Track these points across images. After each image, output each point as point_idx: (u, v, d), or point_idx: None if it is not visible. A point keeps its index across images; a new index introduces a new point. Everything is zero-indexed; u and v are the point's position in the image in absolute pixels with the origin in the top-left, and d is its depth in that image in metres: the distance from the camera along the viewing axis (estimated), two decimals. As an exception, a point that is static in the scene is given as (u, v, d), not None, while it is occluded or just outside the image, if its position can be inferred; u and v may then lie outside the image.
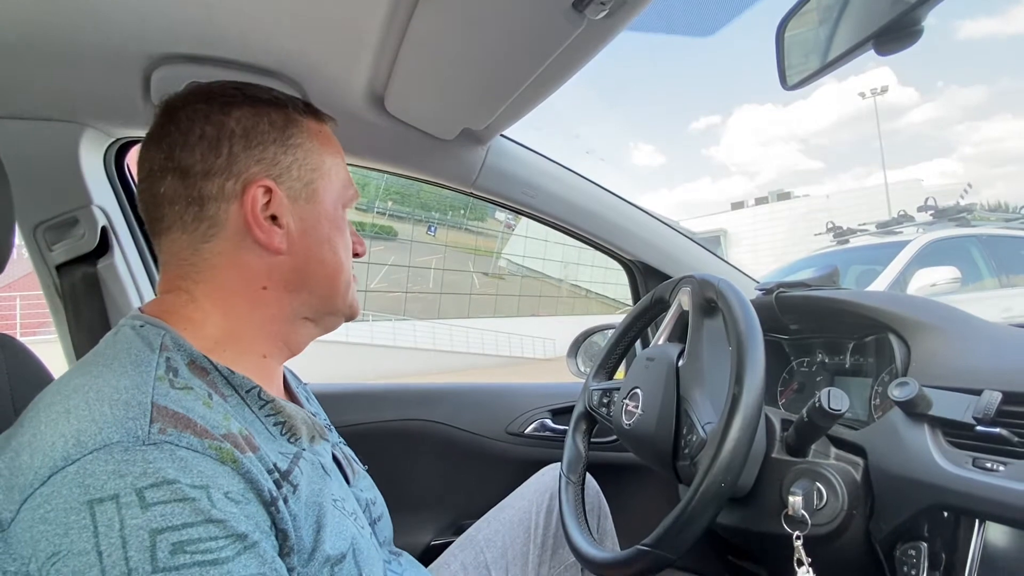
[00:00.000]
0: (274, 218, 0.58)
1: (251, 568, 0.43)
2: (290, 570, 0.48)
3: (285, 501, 0.49)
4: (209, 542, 0.42)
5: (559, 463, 0.95)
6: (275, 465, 0.50)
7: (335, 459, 0.65)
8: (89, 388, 0.46)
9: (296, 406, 0.60)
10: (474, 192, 1.20)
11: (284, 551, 0.48)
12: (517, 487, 1.00)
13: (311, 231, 0.61)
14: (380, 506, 0.72)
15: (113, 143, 1.09)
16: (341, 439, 0.75)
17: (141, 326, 0.54)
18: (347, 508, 0.58)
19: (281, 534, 0.48)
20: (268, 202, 0.58)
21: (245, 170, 0.57)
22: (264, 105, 0.60)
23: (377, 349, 16.08)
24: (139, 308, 0.58)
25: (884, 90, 27.24)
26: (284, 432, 0.56)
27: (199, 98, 0.59)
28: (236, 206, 0.57)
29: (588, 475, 0.94)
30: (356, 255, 0.68)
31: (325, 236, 0.62)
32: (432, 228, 22.11)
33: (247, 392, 0.54)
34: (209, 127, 0.57)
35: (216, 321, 0.57)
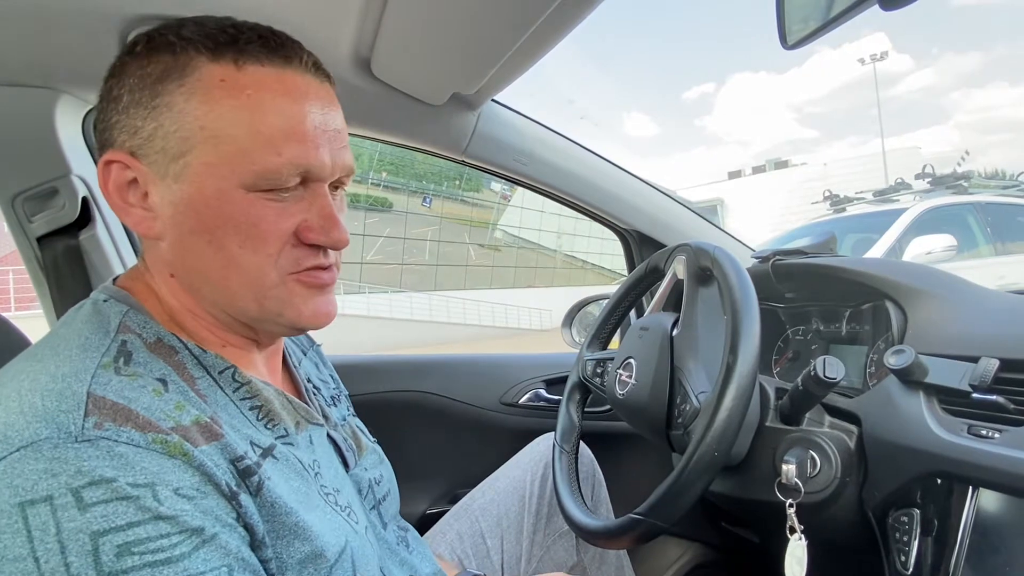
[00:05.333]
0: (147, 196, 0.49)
1: (212, 562, 0.40)
2: (264, 562, 0.45)
3: (256, 492, 0.45)
4: (160, 540, 0.39)
5: (553, 433, 0.95)
6: (245, 453, 0.46)
7: (333, 442, 0.60)
8: (26, 375, 0.43)
9: (274, 389, 0.54)
10: (465, 160, 1.17)
11: (254, 544, 0.45)
12: (511, 457, 1.00)
13: (182, 217, 0.48)
14: (387, 483, 0.68)
15: (91, 111, 1.06)
16: (350, 411, 0.71)
17: (104, 300, 0.50)
18: (340, 502, 0.54)
19: (248, 528, 0.44)
20: (136, 179, 0.49)
21: (111, 141, 0.50)
22: (156, 52, 0.48)
23: (374, 321, 16.09)
24: (114, 278, 0.54)
25: (884, 56, 26.83)
26: (261, 417, 0.52)
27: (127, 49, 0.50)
28: None
29: (582, 444, 0.94)
30: (312, 244, 0.50)
31: (203, 225, 0.48)
32: (427, 199, 21.92)
33: (220, 373, 0.50)
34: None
35: (167, 299, 0.52)
